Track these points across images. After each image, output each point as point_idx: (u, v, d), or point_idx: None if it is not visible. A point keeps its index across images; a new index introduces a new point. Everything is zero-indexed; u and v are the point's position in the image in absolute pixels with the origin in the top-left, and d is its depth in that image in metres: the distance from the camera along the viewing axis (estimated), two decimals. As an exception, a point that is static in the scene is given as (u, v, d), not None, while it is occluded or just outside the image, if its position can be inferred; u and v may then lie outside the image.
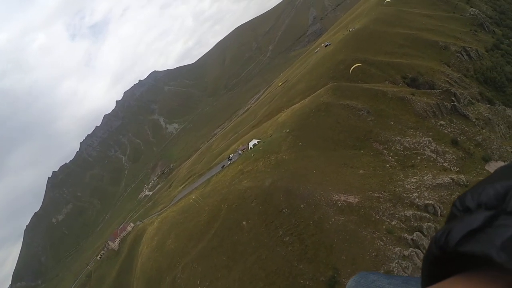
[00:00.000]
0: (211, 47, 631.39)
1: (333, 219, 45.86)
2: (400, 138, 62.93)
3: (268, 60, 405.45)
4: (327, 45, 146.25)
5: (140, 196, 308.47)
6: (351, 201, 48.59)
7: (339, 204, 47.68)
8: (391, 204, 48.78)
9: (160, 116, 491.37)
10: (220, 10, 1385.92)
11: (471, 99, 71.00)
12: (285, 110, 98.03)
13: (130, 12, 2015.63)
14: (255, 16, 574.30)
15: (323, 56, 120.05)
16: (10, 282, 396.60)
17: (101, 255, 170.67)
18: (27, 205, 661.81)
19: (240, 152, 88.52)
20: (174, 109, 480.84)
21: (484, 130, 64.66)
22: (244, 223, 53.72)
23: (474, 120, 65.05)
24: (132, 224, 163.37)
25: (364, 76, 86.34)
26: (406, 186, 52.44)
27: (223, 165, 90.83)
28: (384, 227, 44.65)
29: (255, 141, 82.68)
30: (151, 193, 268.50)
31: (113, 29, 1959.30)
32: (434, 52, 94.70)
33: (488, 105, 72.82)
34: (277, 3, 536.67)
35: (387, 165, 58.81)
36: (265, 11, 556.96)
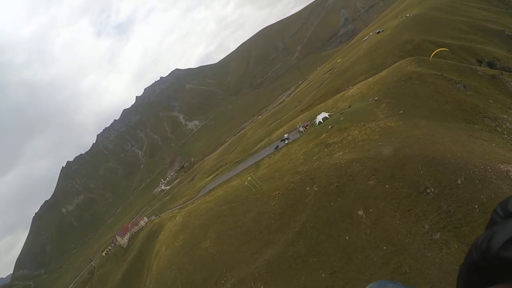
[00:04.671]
0: (233, 50, 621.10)
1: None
2: (507, 117, 52.12)
3: (296, 60, 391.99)
4: (379, 32, 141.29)
5: (155, 191, 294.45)
6: (522, 173, 32.06)
7: (512, 176, 30.68)
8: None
9: (180, 113, 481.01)
10: (242, 16, 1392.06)
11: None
12: (350, 87, 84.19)
13: (154, 13, 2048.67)
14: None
15: (380, 40, 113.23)
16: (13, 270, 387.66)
17: (107, 251, 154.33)
18: (39, 193, 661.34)
19: (301, 129, 72.88)
20: (194, 106, 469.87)
21: None
22: (360, 212, 36.14)
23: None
24: (145, 219, 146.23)
25: (436, 57, 75.48)
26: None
27: (277, 146, 76.52)
28: None
29: (324, 114, 69.61)
30: (168, 187, 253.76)
31: (137, 29, 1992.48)
32: (501, 41, 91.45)
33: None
34: (303, 7, 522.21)
35: (509, 144, 46.60)
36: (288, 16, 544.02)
